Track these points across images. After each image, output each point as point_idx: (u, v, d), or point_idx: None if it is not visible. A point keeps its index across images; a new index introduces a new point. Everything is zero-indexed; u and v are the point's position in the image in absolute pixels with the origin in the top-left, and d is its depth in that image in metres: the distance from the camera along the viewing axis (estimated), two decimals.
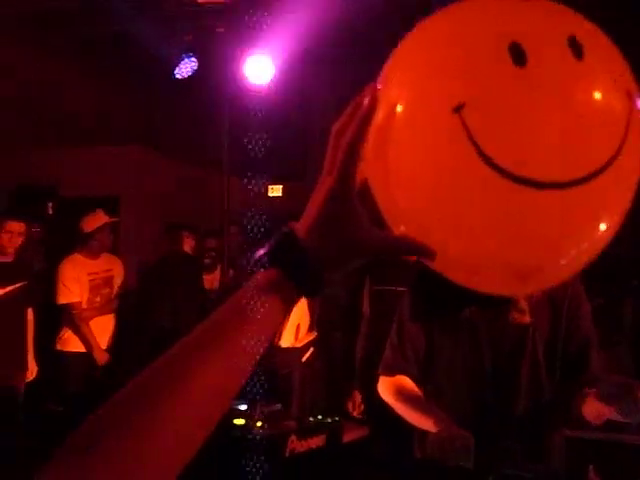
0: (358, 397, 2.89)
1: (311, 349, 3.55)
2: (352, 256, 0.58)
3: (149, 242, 5.30)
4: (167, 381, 0.50)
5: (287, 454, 1.09)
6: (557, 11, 0.60)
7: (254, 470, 0.99)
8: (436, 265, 0.61)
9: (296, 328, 3.45)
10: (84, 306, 3.76)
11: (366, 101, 0.57)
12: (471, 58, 0.56)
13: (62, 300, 3.72)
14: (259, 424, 1.11)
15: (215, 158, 5.08)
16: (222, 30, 3.92)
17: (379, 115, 0.57)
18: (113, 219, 3.95)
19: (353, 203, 0.56)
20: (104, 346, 3.80)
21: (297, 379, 2.98)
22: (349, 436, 1.82)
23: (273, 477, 1.06)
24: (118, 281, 3.93)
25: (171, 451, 0.49)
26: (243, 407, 1.13)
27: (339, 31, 5.08)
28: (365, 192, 0.60)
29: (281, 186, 7.19)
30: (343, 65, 6.03)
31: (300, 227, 0.57)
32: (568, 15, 0.60)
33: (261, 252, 0.57)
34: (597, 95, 0.56)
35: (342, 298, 3.95)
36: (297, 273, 0.55)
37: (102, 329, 3.81)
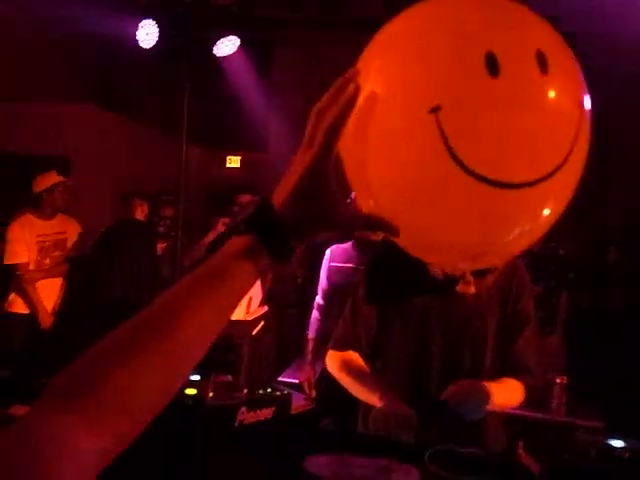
0: (312, 376, 2.94)
1: (261, 323, 3.58)
2: (323, 228, 0.62)
3: (99, 205, 5.16)
4: (147, 336, 0.53)
5: (236, 425, 1.12)
6: (529, 23, 0.65)
7: (204, 439, 1.01)
8: (399, 241, 0.68)
9: (248, 301, 3.47)
10: (32, 267, 3.67)
11: (351, 86, 0.60)
12: (452, 63, 0.61)
13: (8, 260, 3.63)
14: (211, 395, 1.13)
15: (174, 124, 4.96)
16: None
17: (360, 99, 0.61)
18: (64, 179, 3.82)
19: (329, 179, 0.61)
20: (50, 310, 3.71)
21: (246, 352, 3.00)
22: (297, 408, 1.86)
23: (222, 446, 1.08)
24: (72, 244, 3.83)
25: (148, 400, 0.52)
26: (195, 377, 1.15)
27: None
28: (336, 166, 0.63)
29: (239, 157, 7.12)
30: (311, 38, 5.97)
31: (276, 198, 0.61)
32: (538, 28, 0.66)
33: (239, 219, 0.60)
34: (556, 107, 0.63)
35: (300, 275, 3.99)
36: (271, 241, 0.59)
37: (49, 292, 3.73)
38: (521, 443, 1.09)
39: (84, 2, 4.75)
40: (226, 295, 0.58)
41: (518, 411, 3.01)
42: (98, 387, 0.50)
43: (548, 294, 4.23)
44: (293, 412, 1.46)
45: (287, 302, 4.33)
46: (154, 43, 3.93)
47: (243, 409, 1.12)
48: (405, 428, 1.39)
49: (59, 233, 3.76)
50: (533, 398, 1.67)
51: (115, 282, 3.90)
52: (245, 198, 3.93)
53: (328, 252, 3.04)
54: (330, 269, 3.01)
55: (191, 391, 1.10)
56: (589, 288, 4.94)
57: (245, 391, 1.23)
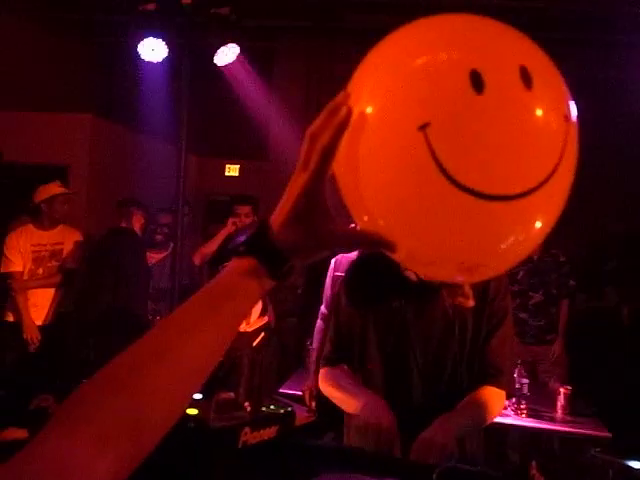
0: (314, 386, 2.91)
1: (262, 334, 3.55)
2: (321, 247, 0.65)
3: (98, 215, 5.14)
4: (153, 356, 0.54)
5: (240, 446, 1.08)
6: (512, 39, 0.68)
7: (208, 462, 0.98)
8: (396, 257, 0.69)
9: None
10: (25, 277, 3.67)
11: (343, 109, 0.63)
12: (438, 82, 0.63)
13: (2, 269, 3.67)
14: (213, 415, 1.10)
15: (172, 133, 4.95)
16: (189, 2, 3.79)
17: (352, 120, 0.63)
18: (65, 190, 3.83)
19: (324, 199, 0.63)
20: (41, 319, 3.70)
21: (246, 364, 2.97)
22: (299, 420, 1.83)
23: (225, 469, 1.05)
24: (69, 255, 3.81)
25: (153, 423, 0.53)
26: (197, 396, 1.11)
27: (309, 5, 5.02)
28: (331, 185, 0.65)
29: (238, 166, 7.11)
30: (309, 46, 5.98)
31: (274, 219, 0.63)
32: (522, 44, 0.68)
33: (239, 241, 0.63)
34: (541, 121, 0.65)
35: (300, 285, 3.96)
36: (270, 262, 0.62)
37: (42, 302, 3.71)
38: (534, 463, 1.06)
39: (83, 11, 4.74)
40: (229, 316, 0.60)
41: (521, 421, 2.98)
42: (100, 414, 0.51)
43: (549, 302, 4.20)
44: (296, 425, 1.43)
45: (287, 311, 4.32)
46: (159, 57, 3.92)
47: (246, 429, 1.08)
48: (385, 442, 1.36)
49: (57, 244, 3.76)
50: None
51: (105, 293, 3.87)
52: (244, 209, 3.92)
53: (333, 262, 3.06)
54: (334, 279, 3.01)
55: (193, 411, 1.07)
56: (590, 294, 4.92)
57: (248, 409, 1.20)
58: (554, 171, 0.64)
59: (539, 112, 0.64)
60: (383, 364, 1.60)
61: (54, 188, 3.73)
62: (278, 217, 0.63)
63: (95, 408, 0.51)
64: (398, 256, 0.69)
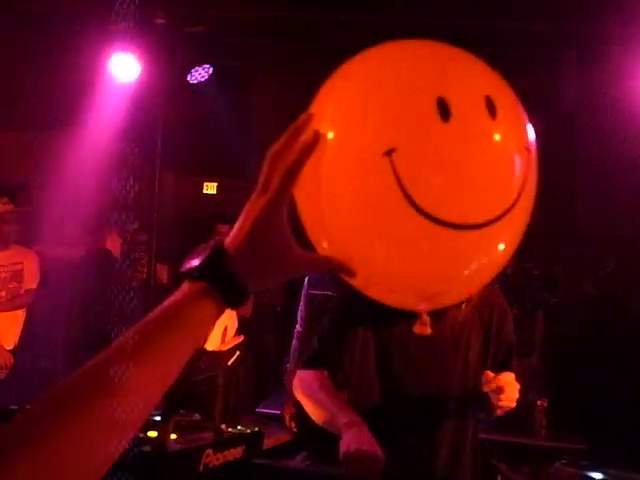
0: (292, 408, 2.86)
1: (237, 353, 3.51)
2: (279, 272, 0.62)
3: (67, 235, 5.05)
4: (96, 385, 0.51)
5: (201, 469, 1.06)
6: (478, 70, 0.69)
7: None
8: (354, 282, 0.68)
9: (223, 331, 3.40)
10: None
11: (309, 132, 0.61)
12: (404, 109, 0.63)
13: None
14: (173, 436, 1.07)
15: (148, 150, 4.91)
16: (162, 21, 3.79)
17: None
18: (10, 208, 3.64)
19: (284, 223, 0.60)
20: (11, 344, 3.57)
21: (221, 383, 2.94)
22: (271, 441, 1.78)
23: None
24: (30, 275, 3.67)
25: (93, 454, 0.50)
26: (156, 417, 1.08)
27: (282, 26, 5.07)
28: (290, 208, 0.63)
29: (216, 184, 7.08)
30: (284, 62, 6.02)
31: (231, 242, 0.60)
32: (487, 75, 0.69)
33: (192, 264, 0.59)
34: (505, 151, 0.65)
35: (279, 305, 3.92)
36: (225, 288, 0.59)
37: (8, 326, 3.58)
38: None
39: (54, 30, 4.72)
40: (179, 343, 0.57)
41: (498, 435, 2.97)
42: (40, 451, 0.47)
43: (524, 315, 4.24)
44: (268, 446, 1.40)
45: (265, 328, 4.29)
46: (131, 76, 3.90)
47: (208, 451, 1.06)
48: (371, 472, 1.33)
49: (16, 264, 3.61)
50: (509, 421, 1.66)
51: (79, 315, 3.79)
52: (225, 228, 3.86)
53: (306, 280, 3.05)
54: (309, 297, 3.00)
55: (152, 433, 1.04)
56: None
57: (213, 430, 1.17)
58: (516, 200, 0.64)
59: (503, 142, 0.65)
60: (381, 379, 1.54)
61: None
62: (234, 240, 0.60)
63: (37, 443, 0.47)
64: (357, 282, 0.67)
